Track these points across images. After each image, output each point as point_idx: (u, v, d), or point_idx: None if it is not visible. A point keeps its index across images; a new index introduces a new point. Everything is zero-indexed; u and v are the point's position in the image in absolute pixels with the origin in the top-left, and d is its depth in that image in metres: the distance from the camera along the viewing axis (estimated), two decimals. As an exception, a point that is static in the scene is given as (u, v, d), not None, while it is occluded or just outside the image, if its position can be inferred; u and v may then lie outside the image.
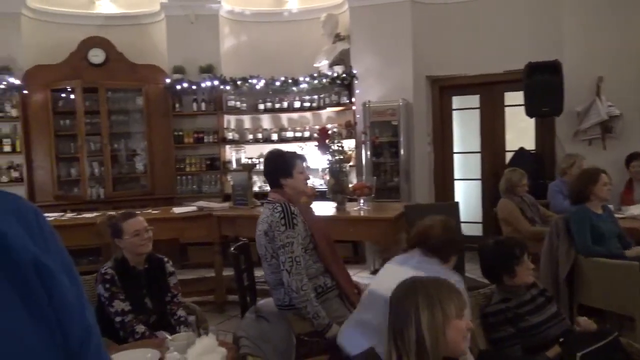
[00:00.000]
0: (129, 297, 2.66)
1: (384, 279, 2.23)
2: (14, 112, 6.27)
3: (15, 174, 6.30)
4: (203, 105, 6.73)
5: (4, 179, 6.24)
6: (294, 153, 3.04)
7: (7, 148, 6.25)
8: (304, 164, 2.94)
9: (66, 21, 6.64)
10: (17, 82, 6.17)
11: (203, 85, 6.56)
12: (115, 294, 2.63)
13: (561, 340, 2.22)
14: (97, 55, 6.47)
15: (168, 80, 6.62)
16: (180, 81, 6.57)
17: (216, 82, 6.55)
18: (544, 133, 6.02)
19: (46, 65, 6.34)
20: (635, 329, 3.30)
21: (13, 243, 0.53)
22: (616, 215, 4.25)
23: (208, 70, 6.62)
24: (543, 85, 5.15)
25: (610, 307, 3.35)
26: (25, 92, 6.25)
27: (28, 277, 0.53)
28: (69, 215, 4.97)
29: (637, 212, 4.30)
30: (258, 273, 3.30)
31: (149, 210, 4.91)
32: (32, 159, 6.38)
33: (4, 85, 6.11)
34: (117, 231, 2.75)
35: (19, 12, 6.26)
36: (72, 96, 6.40)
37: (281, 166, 2.86)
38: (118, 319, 2.61)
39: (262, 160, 6.80)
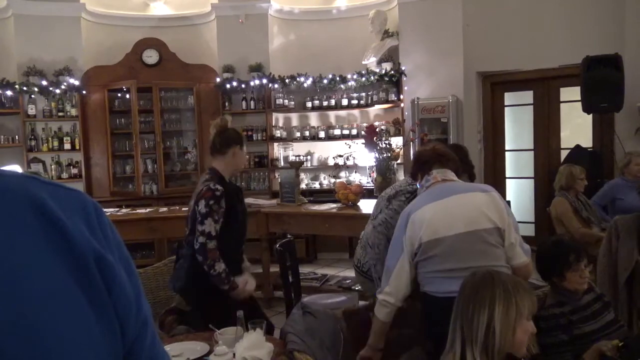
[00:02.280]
0: (232, 216, 2.67)
1: (442, 221, 2.11)
2: (73, 112, 6.55)
3: (74, 171, 6.59)
4: (252, 104, 6.82)
5: (64, 175, 6.54)
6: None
7: (67, 146, 6.54)
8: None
9: (122, 23, 6.88)
10: (77, 82, 6.44)
11: (252, 83, 6.65)
12: (213, 212, 2.59)
13: (621, 344, 2.11)
14: (151, 56, 6.68)
15: (218, 80, 6.74)
16: (230, 80, 6.69)
17: (265, 81, 6.62)
18: (603, 130, 5.77)
19: (103, 66, 6.60)
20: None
21: (75, 238, 0.55)
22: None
23: (257, 69, 6.71)
24: (602, 80, 4.94)
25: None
26: (84, 92, 6.53)
27: (90, 271, 0.55)
28: (124, 210, 5.16)
29: None
30: (303, 270, 3.33)
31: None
32: (89, 156, 6.66)
33: (65, 86, 6.39)
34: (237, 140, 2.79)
35: (79, 16, 6.53)
36: (127, 96, 6.63)
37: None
38: (201, 239, 2.55)
39: (308, 158, 6.86)
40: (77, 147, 6.55)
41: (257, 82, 6.63)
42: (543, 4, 5.92)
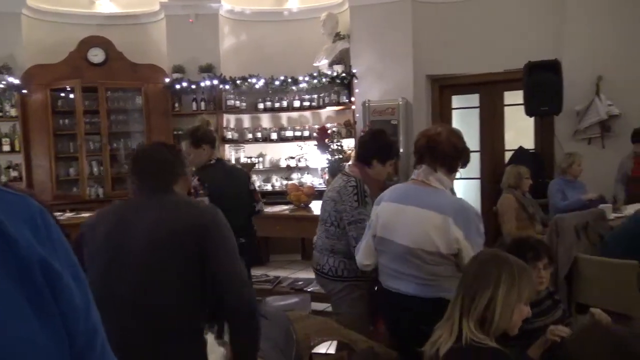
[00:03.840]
0: None
1: (393, 225, 2.23)
2: (13, 112, 6.27)
3: (14, 174, 6.30)
4: (202, 105, 6.73)
5: (3, 178, 6.24)
6: (395, 145, 3.11)
7: (6, 147, 6.26)
8: (394, 160, 3.01)
9: (66, 20, 6.64)
10: (17, 81, 6.16)
11: (202, 84, 6.56)
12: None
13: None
14: (96, 55, 6.48)
15: (167, 80, 6.62)
16: (179, 80, 6.57)
17: (216, 82, 6.55)
18: (543, 132, 6.02)
19: (46, 65, 6.34)
20: (633, 327, 3.30)
21: (18, 242, 0.53)
22: (614, 215, 4.28)
23: (208, 69, 6.62)
24: (542, 85, 5.15)
25: (608, 306, 3.35)
26: (24, 91, 6.25)
27: (34, 278, 0.53)
28: (68, 214, 4.98)
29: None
30: (255, 272, 3.32)
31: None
32: (31, 158, 6.38)
33: (4, 84, 6.11)
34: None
35: (19, 11, 6.26)
36: (71, 95, 6.40)
37: (383, 149, 2.85)
38: None
39: (260, 160, 6.84)
40: (17, 149, 6.27)
41: (207, 82, 6.54)
42: (489, 11, 6.12)
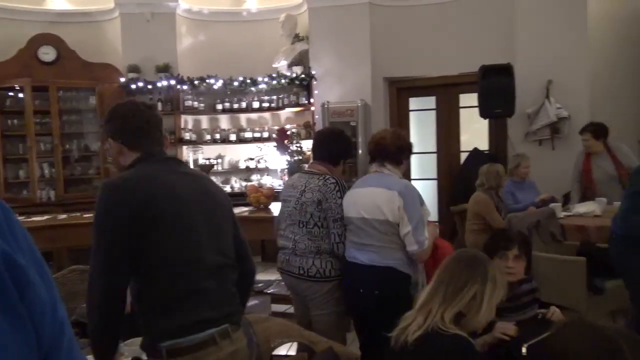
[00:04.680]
0: None
1: (352, 204, 2.71)
2: (-43, 111, 5.99)
3: (-41, 176, 6.02)
4: (159, 105, 6.59)
5: (-53, 181, 5.96)
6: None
7: (-50, 149, 5.97)
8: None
9: (15, 17, 6.39)
10: (-39, 79, 5.90)
11: (159, 84, 6.44)
12: None
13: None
14: (47, 53, 6.26)
15: (123, 80, 6.47)
16: (135, 80, 6.43)
17: (173, 82, 6.44)
18: (497, 134, 6.19)
19: (-8, 63, 6.09)
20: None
21: None
22: (564, 213, 4.44)
23: (164, 69, 6.51)
24: (496, 88, 5.30)
25: (558, 302, 3.47)
26: (-31, 90, 5.99)
27: None
28: (19, 218, 4.79)
29: (583, 210, 4.49)
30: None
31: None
32: (-23, 160, 6.11)
33: (-53, 82, 5.83)
34: None
35: (-38, 6, 6.00)
36: (20, 95, 6.16)
37: (349, 149, 3.12)
38: None
39: (219, 161, 6.77)
40: (-38, 150, 6.00)
41: (164, 83, 6.43)
42: (444, 16, 6.26)
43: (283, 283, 3.17)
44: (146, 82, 6.44)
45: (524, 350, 2.05)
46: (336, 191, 2.77)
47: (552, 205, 4.38)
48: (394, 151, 2.76)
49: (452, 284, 1.80)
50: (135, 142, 1.73)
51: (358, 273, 2.65)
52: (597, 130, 4.70)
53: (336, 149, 2.94)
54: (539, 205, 4.48)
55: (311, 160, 3.06)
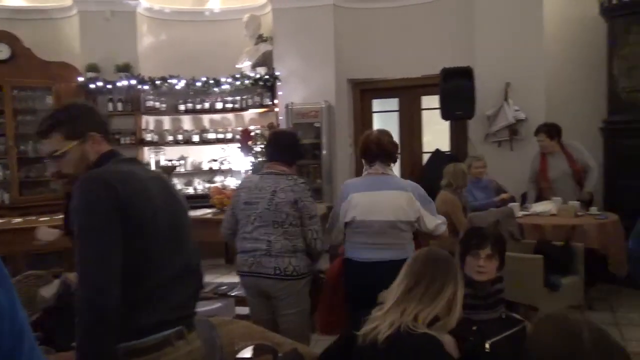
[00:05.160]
0: None
1: (374, 208, 2.78)
2: None
3: None
4: (119, 106, 6.47)
5: None
6: None
7: None
8: None
9: (-35, 13, 6.16)
10: None
11: (119, 84, 6.31)
12: None
13: (474, 328, 2.30)
14: (1, 51, 6.05)
15: (81, 79, 6.31)
16: (94, 80, 6.28)
17: (133, 82, 6.33)
18: (458, 135, 6.32)
19: (-58, 60, 5.84)
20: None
21: None
22: (522, 213, 4.56)
23: (125, 69, 6.38)
24: (457, 90, 5.41)
25: (517, 299, 3.58)
26: None
27: None
28: (-30, 222, 4.61)
29: (540, 209, 4.63)
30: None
31: (61, 216, 4.64)
32: None
33: None
34: None
35: None
36: (-28, 94, 5.94)
37: (302, 151, 3.22)
38: None
39: (182, 162, 6.68)
40: None
41: (124, 82, 6.30)
42: (407, 19, 6.35)
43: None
44: (105, 82, 6.30)
45: (487, 346, 2.10)
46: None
47: (510, 204, 4.50)
48: (393, 151, 2.91)
49: (430, 287, 1.79)
50: (107, 134, 1.70)
51: (380, 270, 2.63)
52: (551, 131, 4.88)
53: (293, 150, 3.01)
54: (498, 205, 4.59)
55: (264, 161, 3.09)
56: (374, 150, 2.86)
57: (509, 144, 5.75)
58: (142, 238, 1.54)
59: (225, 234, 3.03)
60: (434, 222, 2.86)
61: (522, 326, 2.29)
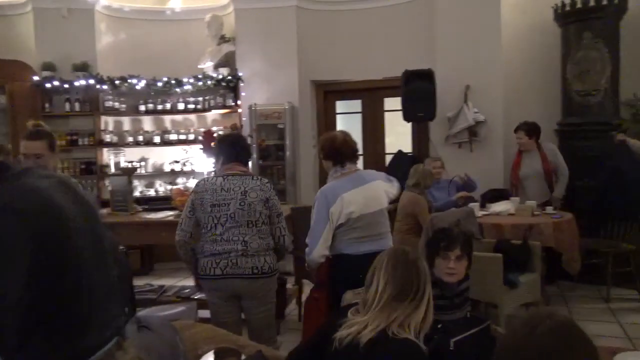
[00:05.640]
0: None
1: (369, 201, 2.91)
2: None
3: None
4: (77, 106, 6.30)
5: None
6: None
7: None
8: None
9: None
10: None
11: (77, 84, 6.14)
12: None
13: (439, 326, 2.32)
14: (-51, 48, 5.80)
15: (36, 78, 6.11)
16: (50, 79, 6.10)
17: (92, 81, 6.16)
18: (420, 137, 6.41)
19: None
20: (499, 315, 3.65)
21: None
22: (482, 212, 4.67)
23: (82, 68, 6.21)
24: (418, 92, 5.49)
25: (478, 297, 3.66)
26: None
27: None
28: None
29: (499, 209, 4.75)
30: (138, 282, 3.17)
31: None
32: None
33: None
34: None
35: None
36: None
37: (250, 152, 3.32)
38: None
39: (142, 164, 6.55)
40: None
41: (82, 82, 6.14)
42: (370, 21, 6.42)
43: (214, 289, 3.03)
44: (62, 81, 6.12)
45: (451, 345, 2.13)
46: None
47: (470, 204, 4.60)
48: (357, 149, 3.09)
49: (417, 293, 1.80)
50: None
51: (367, 263, 2.60)
52: (530, 129, 5.09)
53: (247, 152, 3.11)
54: (459, 204, 4.69)
55: (220, 162, 3.04)
56: (345, 152, 2.97)
57: (469, 145, 5.87)
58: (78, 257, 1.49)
59: (181, 240, 2.93)
60: (395, 190, 3.16)
61: (486, 325, 2.34)
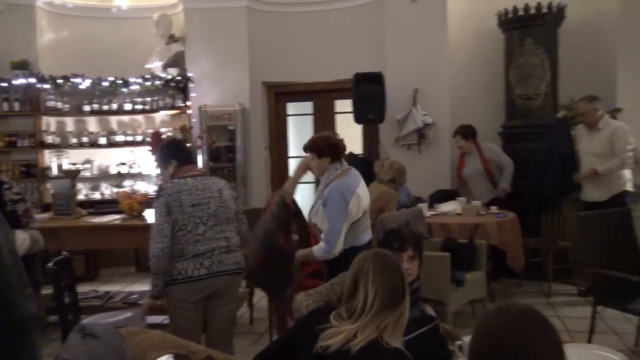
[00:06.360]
0: None
1: (367, 197, 3.10)
2: None
3: None
4: (16, 105, 6.03)
5: None
6: None
7: None
8: None
9: None
10: None
11: (16, 82, 5.88)
12: None
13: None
14: None
15: (-29, 76, 5.81)
16: (-14, 77, 5.81)
17: (32, 80, 5.91)
18: (370, 139, 6.49)
19: None
20: (447, 313, 3.74)
21: None
22: (430, 213, 4.78)
23: (22, 66, 5.94)
24: (369, 95, 5.56)
25: (426, 295, 3.73)
26: None
27: None
28: None
29: (447, 209, 4.88)
30: (83, 289, 3.07)
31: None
32: None
33: None
34: None
35: None
36: None
37: None
38: None
39: (87, 166, 6.34)
40: None
41: (22, 80, 5.88)
42: (321, 24, 6.46)
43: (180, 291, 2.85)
44: (0, 80, 5.84)
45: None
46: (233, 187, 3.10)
47: (419, 205, 4.70)
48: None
49: (400, 299, 1.79)
50: None
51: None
52: (465, 132, 5.33)
53: (194, 154, 3.19)
54: (407, 205, 4.78)
55: (174, 165, 2.99)
56: (342, 147, 3.18)
57: (418, 147, 6.00)
58: None
59: (164, 248, 2.72)
60: None
61: (435, 324, 2.39)
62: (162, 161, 3.05)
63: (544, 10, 5.34)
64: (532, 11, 5.37)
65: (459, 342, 1.86)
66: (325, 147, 3.09)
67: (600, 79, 5.36)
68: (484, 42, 5.98)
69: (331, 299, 2.42)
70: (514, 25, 5.55)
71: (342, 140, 3.21)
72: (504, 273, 5.05)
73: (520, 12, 5.42)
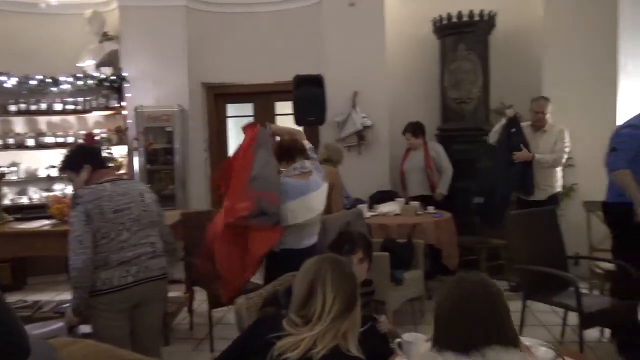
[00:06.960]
0: None
1: (315, 204, 3.12)
2: None
3: None
4: None
5: None
6: None
7: None
8: None
9: None
10: None
11: None
12: None
13: None
14: None
15: None
16: None
17: (-49, 78, 5.54)
18: (311, 140, 6.48)
19: None
20: (387, 311, 3.82)
21: None
22: (370, 213, 4.87)
23: (-62, 62, 5.57)
24: (309, 97, 5.58)
25: (367, 295, 3.79)
26: None
27: None
28: None
29: (386, 209, 4.98)
30: (10, 299, 2.90)
31: None
32: None
33: None
34: None
35: None
36: None
37: None
38: None
39: (13, 169, 6.02)
40: None
41: (-61, 78, 5.50)
42: (260, 25, 6.43)
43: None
44: None
45: None
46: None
47: (359, 206, 4.77)
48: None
49: (355, 304, 1.78)
50: None
51: (305, 254, 2.40)
52: (415, 129, 5.50)
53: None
54: (348, 207, 4.84)
55: (88, 170, 2.80)
56: (299, 150, 3.26)
57: (358, 149, 6.09)
58: None
59: (87, 259, 2.61)
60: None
61: (371, 323, 2.42)
62: (73, 167, 2.83)
63: (476, 17, 5.57)
64: (465, 18, 5.58)
65: (398, 340, 1.90)
66: (278, 153, 3.17)
67: (528, 83, 5.65)
68: (421, 47, 6.16)
69: (266, 302, 2.40)
70: (448, 31, 5.75)
71: (299, 141, 3.28)
72: (441, 271, 5.20)
73: (454, 19, 5.63)
